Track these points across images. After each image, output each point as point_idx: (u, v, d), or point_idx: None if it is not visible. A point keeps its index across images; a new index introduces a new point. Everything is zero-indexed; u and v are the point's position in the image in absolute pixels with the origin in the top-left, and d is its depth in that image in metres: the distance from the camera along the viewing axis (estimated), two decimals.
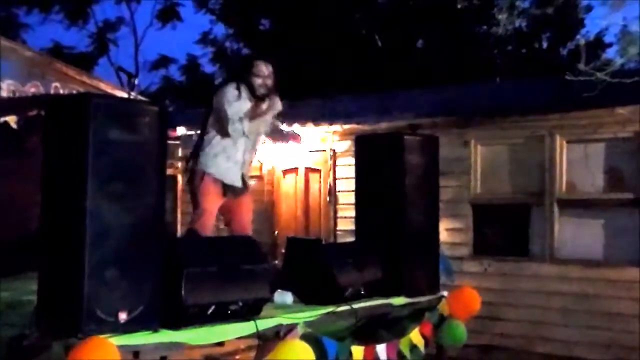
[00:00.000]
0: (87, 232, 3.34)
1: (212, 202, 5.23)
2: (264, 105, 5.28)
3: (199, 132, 5.43)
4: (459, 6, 12.37)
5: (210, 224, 5.22)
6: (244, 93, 5.22)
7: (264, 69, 5.28)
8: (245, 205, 5.47)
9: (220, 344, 3.97)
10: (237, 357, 5.24)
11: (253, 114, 5.21)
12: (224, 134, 5.19)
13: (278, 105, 5.33)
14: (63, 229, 3.44)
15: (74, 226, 3.37)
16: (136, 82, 5.06)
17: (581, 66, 7.28)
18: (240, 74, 5.31)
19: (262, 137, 5.58)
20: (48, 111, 3.64)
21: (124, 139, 3.49)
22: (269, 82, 5.27)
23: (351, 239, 7.20)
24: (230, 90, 5.20)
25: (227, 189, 5.28)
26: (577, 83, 7.27)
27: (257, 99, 5.24)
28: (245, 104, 5.20)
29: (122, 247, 3.45)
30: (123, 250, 3.45)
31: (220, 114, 5.19)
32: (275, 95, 5.32)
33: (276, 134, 5.72)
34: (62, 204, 3.47)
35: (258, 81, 5.24)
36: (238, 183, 5.32)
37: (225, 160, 5.23)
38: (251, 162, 5.53)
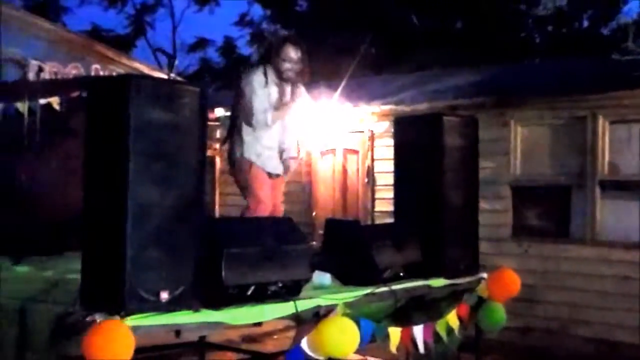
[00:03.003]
0: (129, 212, 3.37)
1: (265, 189, 5.22)
2: (289, 94, 5.19)
3: (229, 115, 5.38)
4: None
5: (269, 210, 5.19)
6: (271, 77, 5.12)
7: (293, 54, 5.12)
8: (279, 187, 5.49)
9: (258, 324, 4.00)
10: (275, 337, 5.28)
11: (278, 105, 5.13)
12: (248, 124, 5.12)
13: (304, 99, 5.25)
14: (105, 209, 3.47)
15: (116, 206, 3.40)
16: (176, 63, 5.09)
17: (630, 45, 7.13)
18: (268, 57, 5.18)
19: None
20: (89, 92, 3.67)
21: (165, 119, 3.50)
22: (297, 67, 5.14)
23: (389, 220, 7.19)
24: (257, 77, 5.09)
25: (270, 174, 5.31)
26: (620, 62, 7.14)
27: (283, 82, 5.14)
28: (272, 91, 5.12)
29: (163, 227, 3.48)
30: (164, 231, 3.48)
31: (246, 103, 5.08)
32: (302, 83, 5.23)
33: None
34: (104, 184, 3.50)
35: (286, 65, 5.11)
36: (279, 170, 5.34)
37: (263, 148, 5.20)
38: (291, 145, 5.45)
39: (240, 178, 5.25)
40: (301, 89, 5.29)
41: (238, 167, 5.24)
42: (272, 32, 22.92)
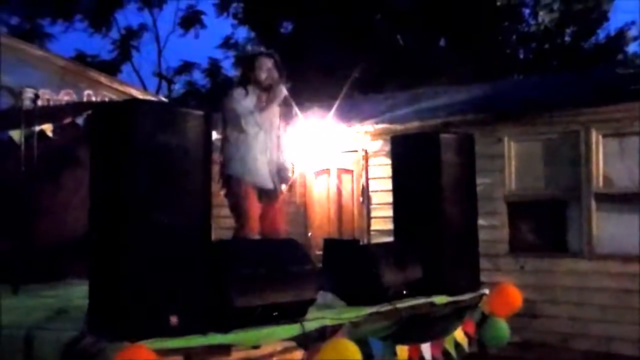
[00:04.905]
0: (138, 236, 3.37)
1: (254, 207, 5.30)
2: (270, 96, 5.42)
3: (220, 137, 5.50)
4: (498, 4, 12.25)
5: (256, 230, 5.26)
6: (251, 90, 5.40)
7: (267, 62, 5.49)
8: (279, 212, 5.54)
9: (257, 346, 3.98)
10: (274, 359, 5.24)
11: (261, 106, 5.36)
12: (241, 130, 5.30)
13: (282, 92, 5.45)
14: (113, 234, 3.47)
15: (124, 230, 3.40)
16: (176, 87, 5.20)
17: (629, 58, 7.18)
18: (246, 73, 5.52)
19: (281, 132, 5.60)
20: (95, 117, 3.68)
21: (171, 143, 3.53)
22: (274, 73, 5.47)
23: (385, 239, 7.19)
24: (237, 91, 5.40)
25: (262, 194, 5.36)
26: (612, 76, 7.19)
27: (263, 91, 5.42)
28: (253, 100, 5.36)
29: (171, 251, 3.47)
30: (172, 255, 3.48)
31: (232, 114, 5.33)
32: (279, 84, 5.46)
33: (288, 114, 5.72)
34: (110, 209, 3.50)
35: (263, 75, 5.43)
36: (269, 184, 5.39)
37: (252, 160, 5.31)
38: (282, 163, 5.54)
39: (231, 197, 5.34)
40: (279, 89, 5.46)
41: (229, 186, 5.34)
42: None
